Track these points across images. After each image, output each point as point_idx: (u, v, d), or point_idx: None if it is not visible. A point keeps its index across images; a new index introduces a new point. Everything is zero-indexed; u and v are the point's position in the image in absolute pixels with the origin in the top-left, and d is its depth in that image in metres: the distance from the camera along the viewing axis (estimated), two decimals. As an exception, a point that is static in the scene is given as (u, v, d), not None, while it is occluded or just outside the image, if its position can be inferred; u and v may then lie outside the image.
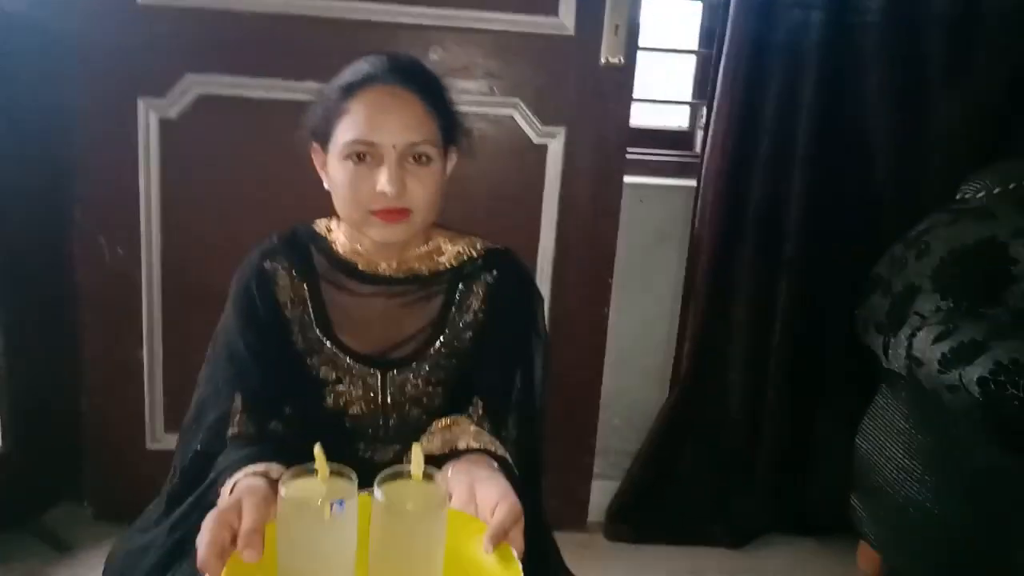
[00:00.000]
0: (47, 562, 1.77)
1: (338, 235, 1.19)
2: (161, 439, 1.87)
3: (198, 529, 0.83)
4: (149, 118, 1.69)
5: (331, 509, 0.74)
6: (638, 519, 2.04)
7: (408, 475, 0.82)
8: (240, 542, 0.79)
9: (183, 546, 1.00)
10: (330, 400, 1.14)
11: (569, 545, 1.21)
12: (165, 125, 1.70)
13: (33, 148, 1.75)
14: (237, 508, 0.84)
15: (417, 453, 0.83)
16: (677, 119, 2.24)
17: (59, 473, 1.95)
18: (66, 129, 1.74)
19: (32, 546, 1.82)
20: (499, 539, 0.84)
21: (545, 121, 1.77)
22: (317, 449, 0.80)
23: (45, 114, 1.75)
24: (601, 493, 2.05)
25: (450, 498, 0.87)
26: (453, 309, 1.17)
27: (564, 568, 1.18)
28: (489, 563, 0.84)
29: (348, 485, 0.78)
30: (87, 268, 1.80)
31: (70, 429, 1.91)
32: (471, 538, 0.86)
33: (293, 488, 0.77)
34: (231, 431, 1.07)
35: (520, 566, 0.83)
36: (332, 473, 0.79)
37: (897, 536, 1.78)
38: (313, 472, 0.79)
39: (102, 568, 1.11)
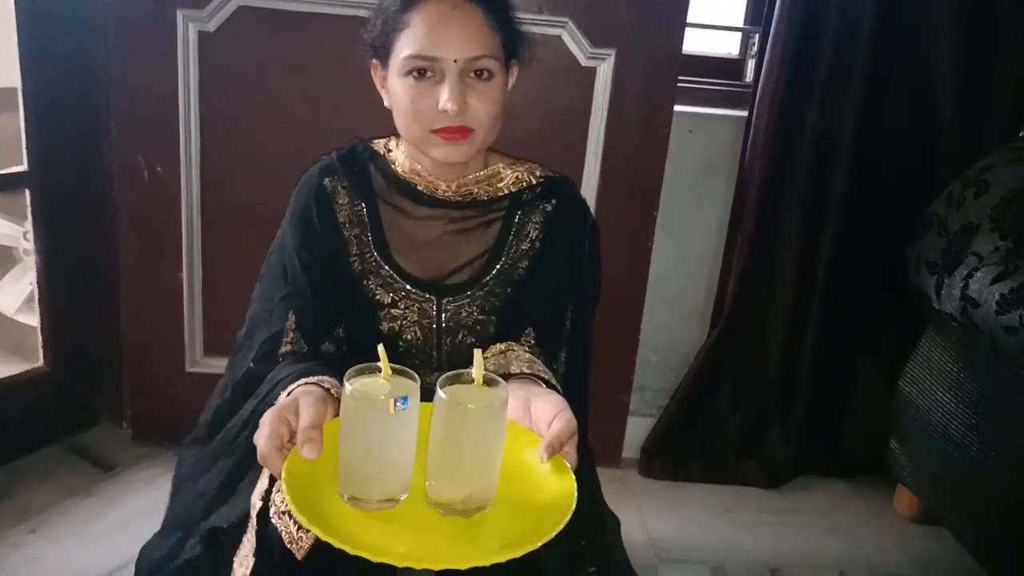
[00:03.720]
0: (90, 480, 1.79)
1: (397, 155, 1.16)
2: (200, 362, 1.86)
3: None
4: (188, 31, 1.65)
5: (395, 405, 0.73)
6: (673, 456, 2.04)
7: (468, 379, 0.80)
8: (299, 437, 0.79)
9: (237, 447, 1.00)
10: (385, 324, 1.12)
11: (603, 480, 1.20)
12: (204, 38, 1.66)
13: (69, 63, 1.72)
14: (294, 406, 0.83)
15: (478, 357, 0.81)
16: (726, 47, 2.16)
17: (98, 393, 1.96)
18: (103, 43, 1.70)
19: (74, 463, 1.84)
20: (555, 450, 0.83)
21: (595, 43, 1.70)
22: (381, 349, 0.78)
23: (81, 27, 1.71)
24: (636, 429, 2.04)
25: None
26: (511, 237, 1.15)
27: (602, 502, 1.18)
28: (543, 473, 0.83)
29: (411, 383, 0.77)
30: (125, 186, 1.77)
31: (109, 350, 1.91)
32: (525, 449, 0.86)
33: (358, 384, 0.76)
34: (283, 349, 1.07)
35: (574, 478, 0.82)
36: (395, 372, 0.78)
37: (939, 481, 1.76)
38: (376, 371, 0.78)
39: (141, 487, 1.11)
